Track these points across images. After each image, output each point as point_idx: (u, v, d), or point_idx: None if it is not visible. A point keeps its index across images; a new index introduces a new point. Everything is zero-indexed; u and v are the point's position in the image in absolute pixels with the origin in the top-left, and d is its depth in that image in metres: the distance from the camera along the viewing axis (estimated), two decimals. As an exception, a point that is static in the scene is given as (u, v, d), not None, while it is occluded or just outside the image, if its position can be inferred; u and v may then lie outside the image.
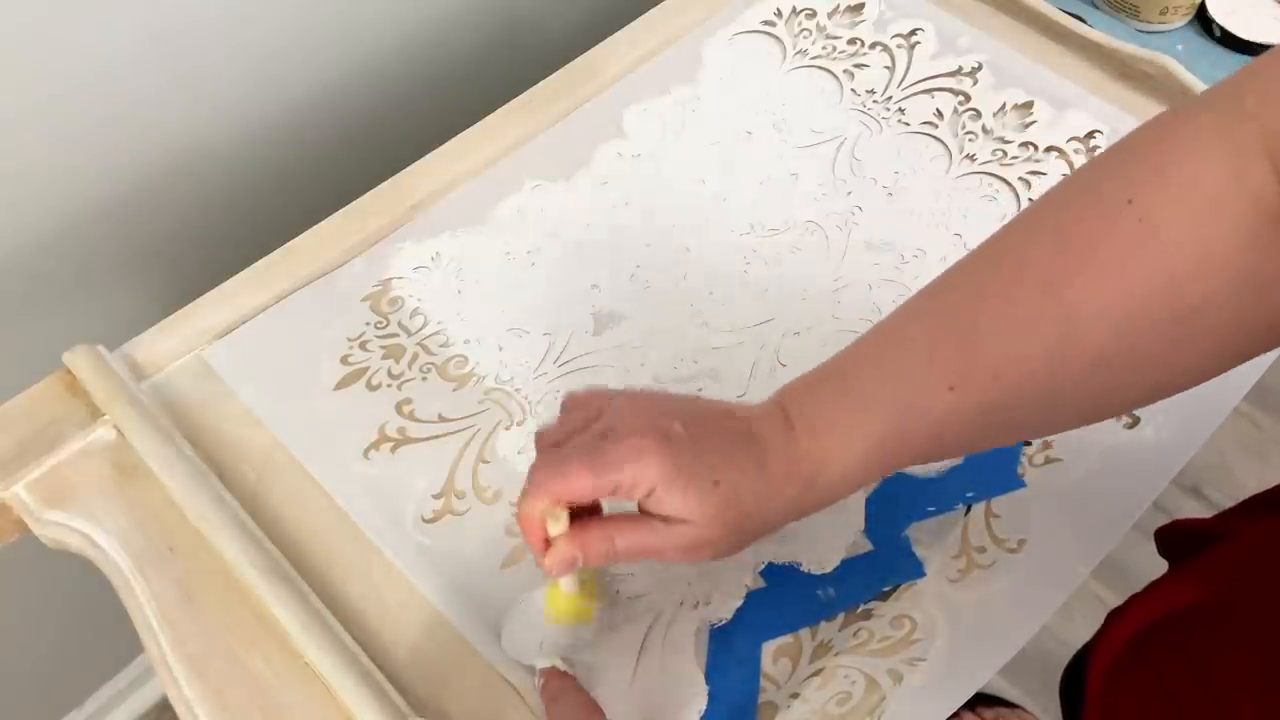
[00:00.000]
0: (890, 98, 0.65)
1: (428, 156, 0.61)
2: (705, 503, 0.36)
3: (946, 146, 0.63)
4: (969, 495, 0.49)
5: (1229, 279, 0.32)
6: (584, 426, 0.39)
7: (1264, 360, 0.51)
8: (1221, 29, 0.77)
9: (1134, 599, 0.47)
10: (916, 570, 0.47)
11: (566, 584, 0.41)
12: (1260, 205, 0.31)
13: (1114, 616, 0.47)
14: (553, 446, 0.39)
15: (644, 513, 0.38)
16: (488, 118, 0.63)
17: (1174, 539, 0.49)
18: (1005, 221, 0.58)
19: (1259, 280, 0.32)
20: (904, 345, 0.37)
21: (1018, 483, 0.50)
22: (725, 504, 0.37)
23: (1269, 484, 0.47)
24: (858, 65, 0.67)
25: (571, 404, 0.42)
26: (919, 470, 0.50)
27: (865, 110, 0.65)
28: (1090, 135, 0.62)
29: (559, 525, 0.37)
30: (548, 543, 0.38)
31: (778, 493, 0.37)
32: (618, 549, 0.38)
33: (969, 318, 0.36)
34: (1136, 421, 0.51)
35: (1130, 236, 0.32)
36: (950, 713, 0.43)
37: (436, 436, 0.51)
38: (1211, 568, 0.49)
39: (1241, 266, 0.32)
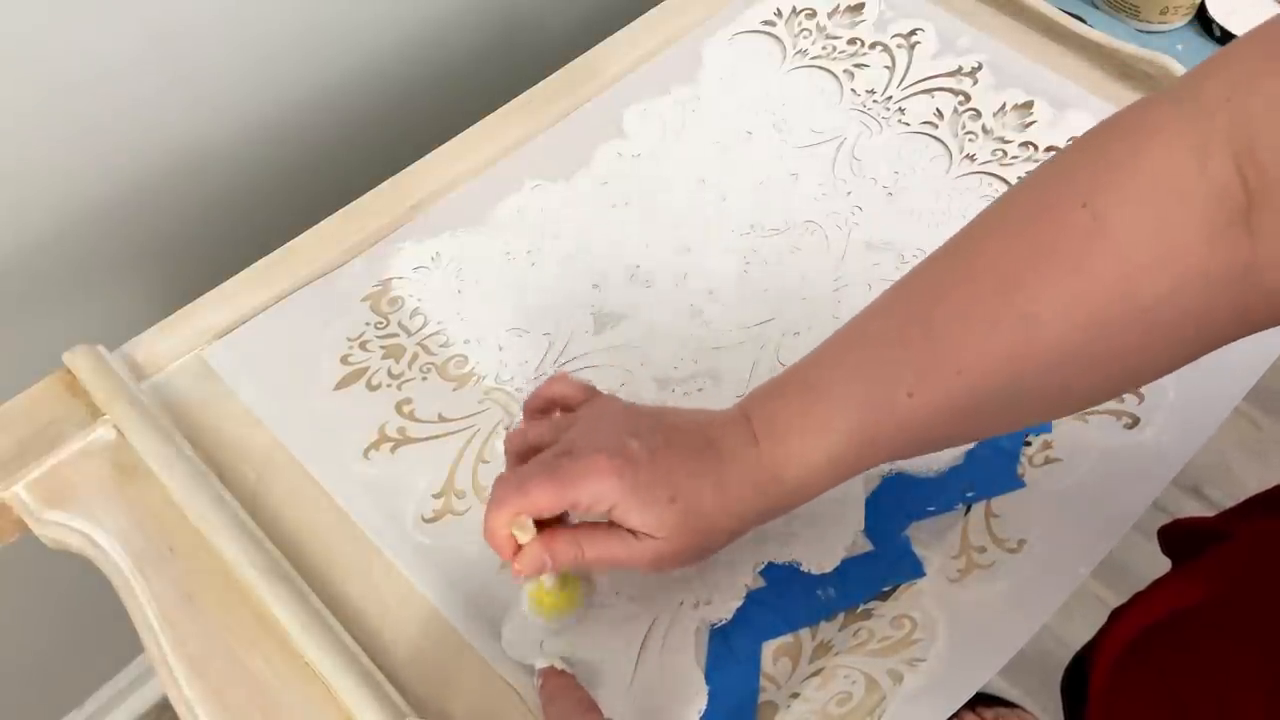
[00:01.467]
0: (890, 98, 0.65)
1: (428, 156, 0.61)
2: (664, 517, 0.37)
3: (946, 146, 0.63)
4: (969, 495, 0.49)
5: (1188, 274, 0.32)
6: (552, 436, 0.41)
7: (1264, 362, 0.51)
8: (1221, 29, 0.77)
9: (1137, 598, 0.47)
10: (917, 570, 0.47)
11: (548, 579, 0.42)
12: (1222, 199, 0.31)
13: (1117, 615, 0.47)
14: (516, 456, 0.41)
15: (612, 523, 0.39)
16: (488, 118, 0.63)
17: (1177, 538, 0.49)
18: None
19: (1221, 274, 0.32)
20: (866, 345, 0.38)
21: (1017, 483, 0.50)
22: (684, 516, 0.38)
23: (1269, 484, 0.47)
24: (858, 65, 0.67)
25: (537, 404, 0.44)
26: (919, 470, 0.50)
27: (865, 110, 0.65)
28: (1090, 135, 0.62)
29: (526, 534, 0.39)
30: (518, 550, 0.39)
31: (737, 500, 0.38)
32: (586, 557, 0.39)
33: (929, 317, 0.36)
34: (1136, 422, 0.51)
35: (1083, 237, 0.32)
36: (950, 713, 0.43)
37: (436, 436, 0.51)
38: (1214, 568, 0.49)
39: (1201, 260, 0.31)
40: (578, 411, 0.42)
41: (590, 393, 0.44)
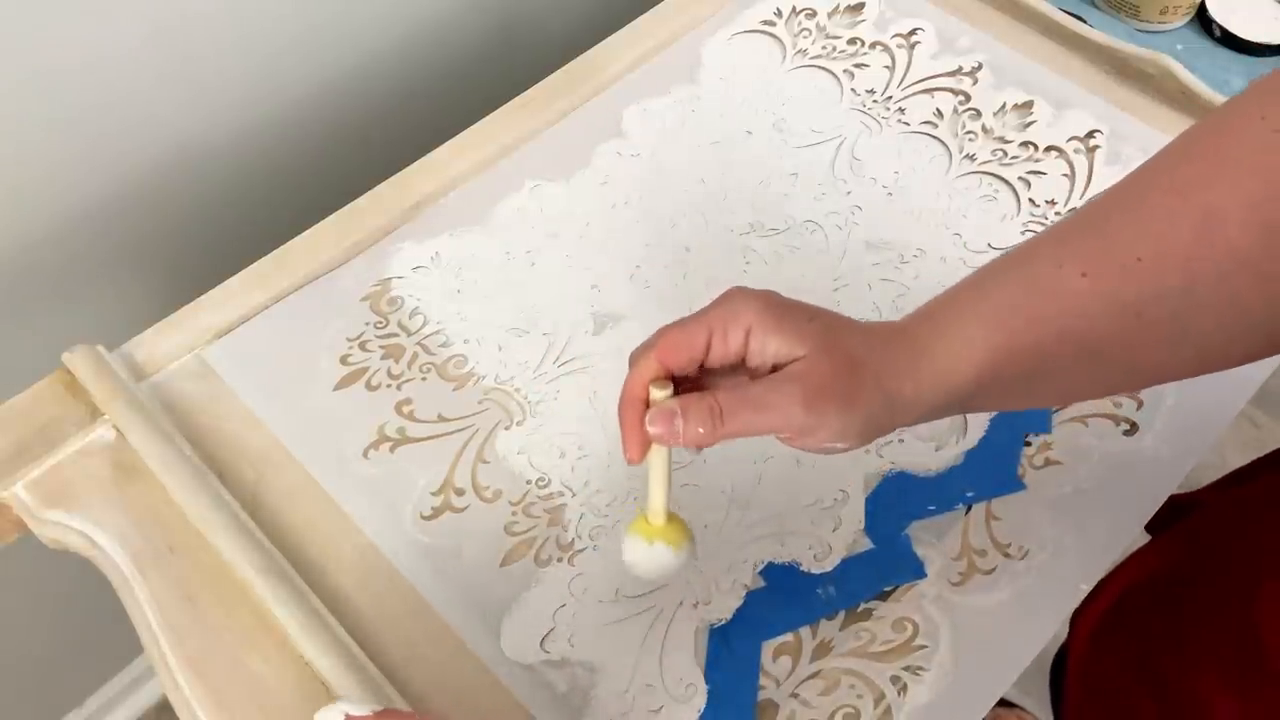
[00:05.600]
0: (890, 97, 0.65)
1: (428, 156, 0.61)
2: (805, 332, 0.34)
3: (946, 146, 0.63)
4: (969, 495, 0.49)
5: None
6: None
7: (1263, 372, 0.51)
8: (1221, 29, 0.77)
9: (1109, 573, 0.48)
10: (917, 570, 0.47)
11: (655, 515, 0.39)
12: None
13: (1094, 591, 0.47)
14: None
15: (752, 380, 0.35)
16: (488, 118, 0.63)
17: (1157, 513, 0.50)
18: (1005, 222, 0.59)
19: None
20: (1035, 241, 0.35)
21: (1017, 484, 0.50)
22: (827, 332, 0.34)
23: (1269, 483, 0.48)
24: (858, 65, 0.67)
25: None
26: (919, 469, 0.50)
27: (865, 110, 0.65)
28: (1090, 135, 0.62)
29: (663, 393, 0.35)
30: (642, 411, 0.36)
31: (884, 348, 0.35)
32: (724, 420, 0.34)
33: (1105, 215, 0.34)
34: (1134, 428, 0.51)
35: (1264, 147, 0.32)
36: None
37: (436, 436, 0.51)
38: (1184, 535, 0.50)
39: None
40: None
41: None
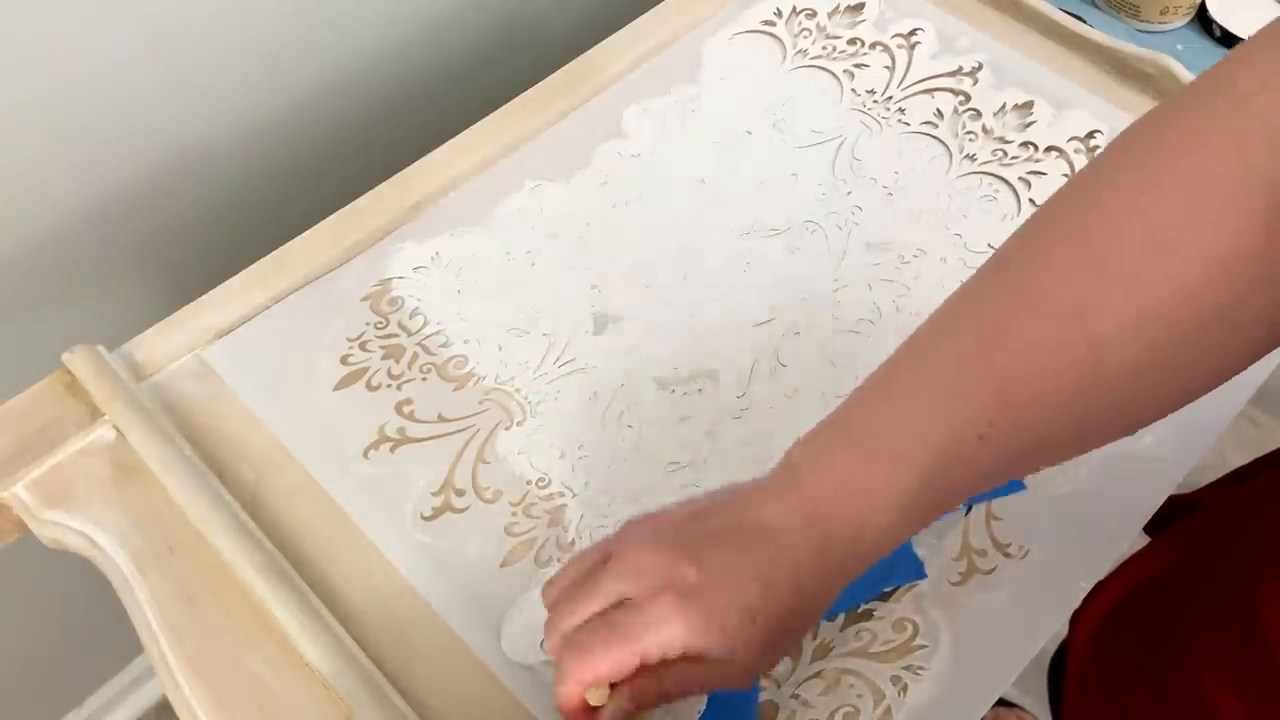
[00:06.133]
0: (890, 98, 0.65)
1: (428, 156, 0.61)
2: (745, 636, 0.35)
3: (946, 146, 0.63)
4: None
5: (1252, 274, 0.31)
6: (591, 568, 0.38)
7: (1263, 372, 0.51)
8: (1221, 29, 0.77)
9: (1110, 574, 0.47)
10: (918, 571, 0.47)
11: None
12: (1273, 191, 0.30)
13: (1092, 593, 0.47)
14: (563, 604, 0.38)
15: None
16: (488, 118, 0.63)
17: (1156, 513, 0.50)
18: (1006, 222, 0.59)
19: None
20: (924, 387, 0.35)
21: (1018, 484, 0.50)
22: (767, 632, 0.35)
23: (1268, 483, 0.48)
24: (858, 65, 0.67)
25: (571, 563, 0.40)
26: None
27: (865, 110, 0.65)
28: (1090, 135, 0.62)
29: (600, 695, 0.36)
30: (590, 711, 0.37)
31: (816, 587, 0.35)
32: (669, 688, 0.36)
33: (992, 349, 0.34)
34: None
35: (1141, 250, 0.31)
36: None
37: (436, 437, 0.51)
38: (1183, 535, 0.50)
39: (1263, 256, 0.30)
40: (608, 547, 0.38)
41: (605, 543, 0.40)
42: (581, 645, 0.36)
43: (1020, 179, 0.61)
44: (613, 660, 0.35)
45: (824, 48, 0.68)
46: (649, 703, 0.37)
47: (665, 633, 0.34)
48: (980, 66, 0.66)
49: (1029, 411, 0.33)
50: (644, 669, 0.36)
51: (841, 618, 0.46)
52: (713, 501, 0.38)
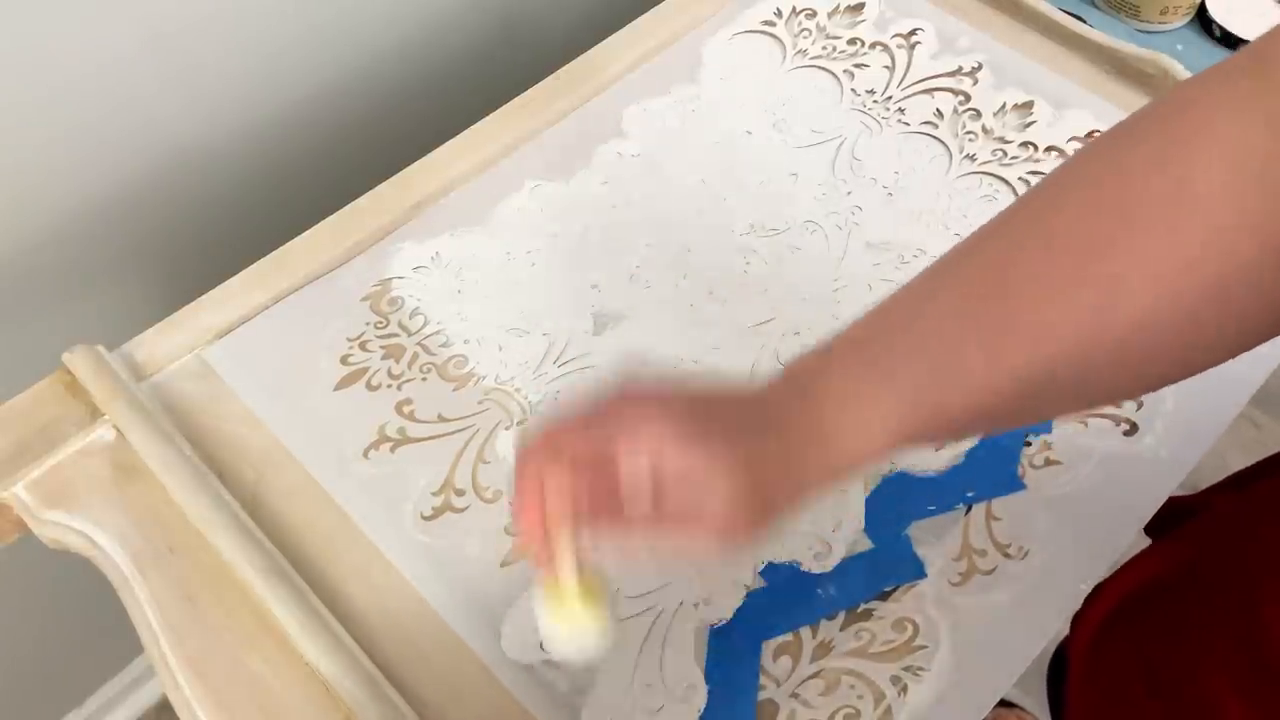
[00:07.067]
0: (890, 98, 0.65)
1: (428, 156, 0.61)
2: (724, 462, 0.33)
3: (946, 146, 0.63)
4: (969, 495, 0.49)
5: (1271, 241, 0.30)
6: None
7: (1263, 373, 0.52)
8: (1221, 29, 0.77)
9: (1112, 576, 0.47)
10: (918, 571, 0.47)
11: (567, 575, 0.34)
12: None
13: (1093, 595, 0.47)
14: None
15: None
16: (488, 118, 0.63)
17: (1157, 515, 0.50)
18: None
19: None
20: (931, 312, 0.34)
21: (1018, 484, 0.50)
22: (753, 485, 0.33)
23: (1268, 484, 0.47)
24: (858, 65, 0.67)
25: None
26: (919, 469, 0.50)
27: (865, 110, 0.65)
28: (1090, 135, 0.62)
29: (565, 538, 0.33)
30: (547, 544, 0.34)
31: (800, 457, 0.34)
32: (634, 524, 0.33)
33: (1003, 281, 0.33)
34: (1134, 428, 0.51)
35: (1167, 200, 0.31)
36: None
37: (436, 436, 0.51)
38: (1185, 538, 0.50)
39: None
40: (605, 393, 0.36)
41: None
42: (552, 432, 0.33)
43: (1020, 179, 0.61)
44: (581, 428, 0.33)
45: (824, 48, 0.68)
46: (610, 540, 0.34)
47: (645, 431, 0.32)
48: (980, 66, 0.66)
49: (1033, 343, 0.32)
50: (613, 496, 0.33)
51: (842, 617, 0.46)
52: (709, 382, 0.36)
